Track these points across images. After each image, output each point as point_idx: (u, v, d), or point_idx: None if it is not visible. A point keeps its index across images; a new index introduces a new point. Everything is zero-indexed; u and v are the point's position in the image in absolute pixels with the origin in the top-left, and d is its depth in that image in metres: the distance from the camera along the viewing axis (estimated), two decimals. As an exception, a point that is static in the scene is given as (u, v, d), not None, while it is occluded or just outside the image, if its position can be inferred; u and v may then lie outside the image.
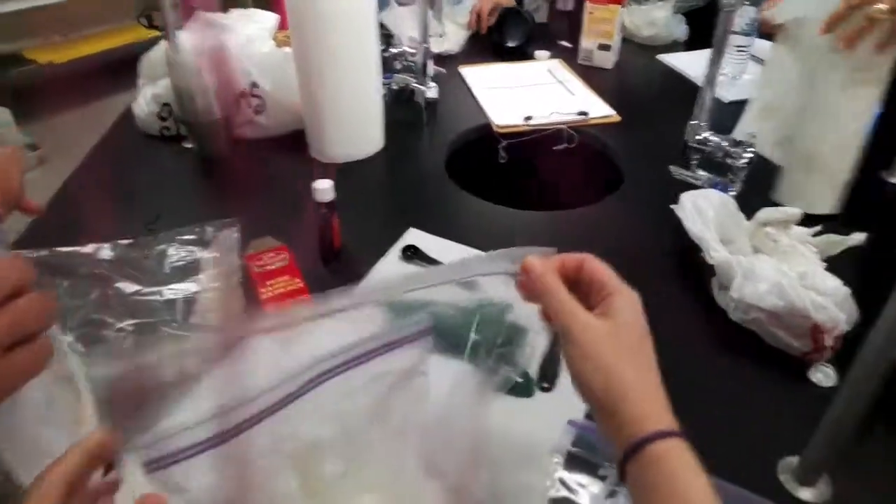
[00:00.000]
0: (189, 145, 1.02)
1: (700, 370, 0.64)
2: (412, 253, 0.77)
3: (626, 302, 0.41)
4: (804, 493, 0.53)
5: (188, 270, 0.78)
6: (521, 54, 1.43)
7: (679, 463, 0.36)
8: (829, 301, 0.60)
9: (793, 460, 0.54)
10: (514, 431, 0.57)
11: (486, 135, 1.11)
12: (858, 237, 0.72)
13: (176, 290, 0.74)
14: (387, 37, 1.23)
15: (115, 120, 1.12)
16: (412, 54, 1.12)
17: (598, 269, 0.42)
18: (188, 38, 0.96)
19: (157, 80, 1.04)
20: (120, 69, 1.31)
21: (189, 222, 0.82)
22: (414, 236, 0.81)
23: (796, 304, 0.60)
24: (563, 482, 0.52)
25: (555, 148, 1.10)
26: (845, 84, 0.75)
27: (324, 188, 0.71)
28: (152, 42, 1.04)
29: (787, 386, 0.62)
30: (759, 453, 0.56)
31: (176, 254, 0.80)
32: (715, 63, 0.74)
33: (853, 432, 0.48)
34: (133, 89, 1.07)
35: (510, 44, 1.44)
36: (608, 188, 0.95)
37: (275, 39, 1.06)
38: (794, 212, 0.70)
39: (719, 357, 0.65)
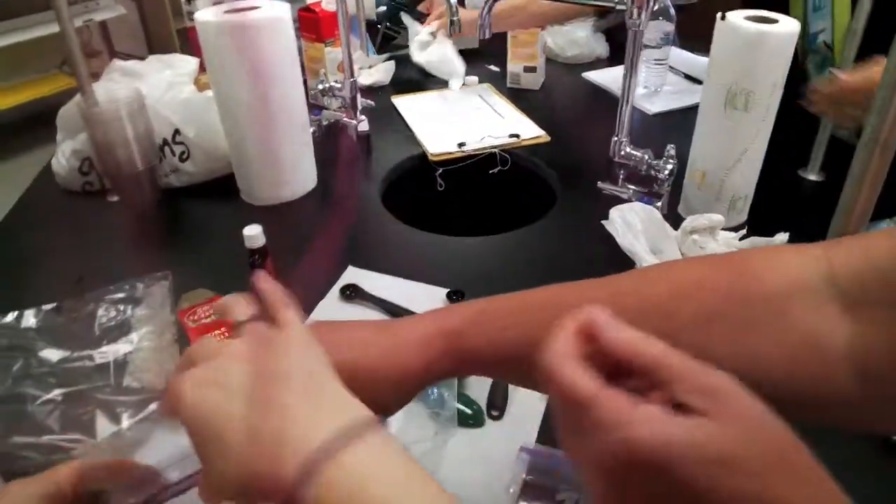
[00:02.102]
0: (114, 199, 0.98)
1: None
2: (351, 292, 0.76)
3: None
4: None
5: (120, 330, 0.74)
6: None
7: None
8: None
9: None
10: (468, 464, 0.57)
11: (421, 164, 1.12)
12: (782, 237, 0.75)
13: (106, 353, 0.71)
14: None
15: (34, 177, 1.08)
16: (339, 89, 1.12)
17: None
18: (103, 89, 0.93)
19: (76, 135, 1.00)
20: (43, 122, 1.25)
21: (119, 279, 0.79)
22: (353, 275, 0.80)
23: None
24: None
25: (490, 172, 1.11)
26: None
27: (253, 234, 0.69)
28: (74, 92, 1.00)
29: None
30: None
31: (106, 314, 0.77)
32: (628, 82, 0.76)
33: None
34: (54, 144, 1.03)
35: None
36: (543, 207, 0.96)
37: (196, 83, 1.04)
38: (718, 218, 0.73)
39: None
